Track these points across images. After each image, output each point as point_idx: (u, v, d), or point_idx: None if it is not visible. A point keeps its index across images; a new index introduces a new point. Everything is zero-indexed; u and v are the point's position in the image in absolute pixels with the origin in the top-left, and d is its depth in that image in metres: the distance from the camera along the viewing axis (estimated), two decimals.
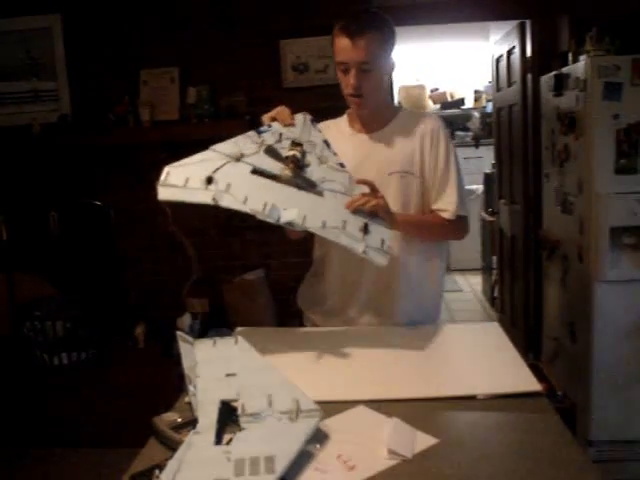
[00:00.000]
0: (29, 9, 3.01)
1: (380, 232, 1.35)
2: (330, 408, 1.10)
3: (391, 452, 0.98)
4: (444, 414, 1.16)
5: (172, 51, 3.02)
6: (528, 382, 1.23)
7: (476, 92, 5.75)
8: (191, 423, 1.05)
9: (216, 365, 1.18)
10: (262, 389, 1.07)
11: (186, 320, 2.91)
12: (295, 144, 1.42)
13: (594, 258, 2.36)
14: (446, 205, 1.55)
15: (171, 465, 0.90)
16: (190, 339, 1.28)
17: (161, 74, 3.03)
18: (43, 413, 2.73)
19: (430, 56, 5.55)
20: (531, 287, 3.22)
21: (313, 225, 1.31)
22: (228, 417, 1.04)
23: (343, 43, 1.46)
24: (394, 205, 1.48)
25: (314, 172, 1.40)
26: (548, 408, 1.16)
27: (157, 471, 0.92)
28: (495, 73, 3.79)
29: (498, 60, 3.69)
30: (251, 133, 1.43)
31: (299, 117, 1.50)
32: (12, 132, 3.01)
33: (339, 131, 1.62)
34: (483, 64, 5.01)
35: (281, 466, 0.89)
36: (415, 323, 1.61)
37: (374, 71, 1.48)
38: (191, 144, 3.08)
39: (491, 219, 4.10)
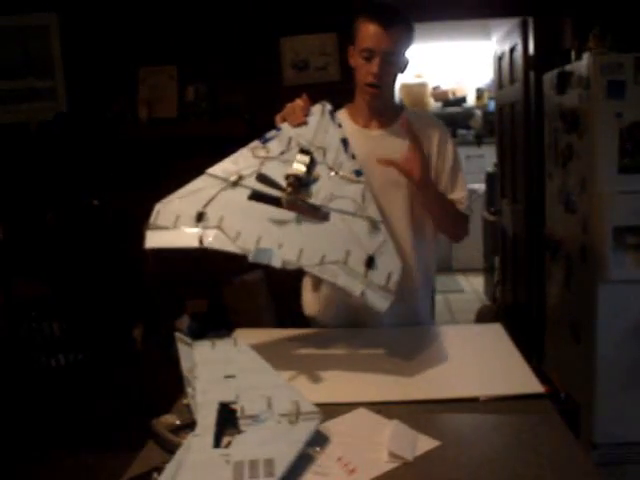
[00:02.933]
0: (26, 7, 3.01)
1: (387, 265, 1.23)
2: (330, 410, 1.09)
3: (392, 455, 0.97)
4: (445, 416, 1.15)
5: (171, 48, 3.01)
6: (531, 384, 1.22)
7: (478, 90, 5.75)
8: (190, 425, 1.04)
9: (215, 367, 1.17)
10: (261, 391, 1.07)
11: (185, 321, 2.91)
12: (303, 152, 1.33)
13: (597, 258, 2.35)
14: (459, 198, 1.58)
15: (169, 468, 0.90)
16: (189, 340, 1.27)
17: (159, 72, 3.02)
18: (40, 415, 2.72)
19: (432, 54, 5.54)
20: (534, 287, 3.21)
21: (309, 262, 1.22)
22: (227, 419, 1.03)
23: (373, 30, 1.45)
24: (407, 201, 1.52)
25: (322, 188, 1.30)
26: (551, 410, 1.15)
27: (155, 474, 0.91)
28: (497, 71, 3.78)
29: (500, 58, 3.68)
30: (255, 144, 1.34)
31: (317, 108, 1.41)
32: (9, 130, 3.01)
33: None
34: (485, 62, 5.00)
35: (280, 469, 0.88)
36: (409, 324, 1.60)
37: (395, 64, 1.50)
38: (189, 142, 3.10)
39: (493, 219, 4.09)
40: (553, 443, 1.02)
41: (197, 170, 3.61)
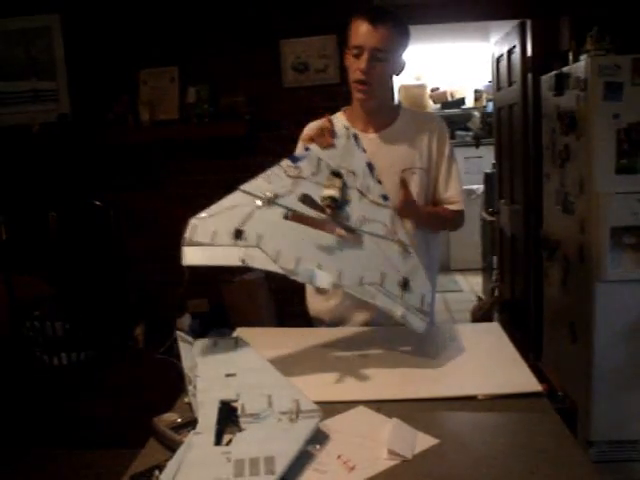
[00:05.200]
0: (29, 9, 3.01)
1: (420, 287, 1.25)
2: (330, 408, 1.10)
3: (391, 452, 0.98)
4: (444, 414, 1.15)
5: (172, 50, 3.02)
6: (529, 382, 1.23)
7: (476, 92, 5.75)
8: (191, 423, 1.04)
9: (216, 365, 1.18)
10: (262, 389, 1.07)
11: (186, 320, 2.91)
12: (334, 175, 1.31)
13: (595, 258, 2.36)
14: (455, 197, 1.62)
15: (171, 466, 0.90)
16: (190, 339, 1.28)
17: (161, 73, 3.03)
18: (42, 413, 2.72)
19: (430, 55, 5.55)
20: (531, 287, 3.22)
21: (350, 283, 1.22)
22: (228, 417, 1.04)
23: (362, 27, 1.46)
24: (416, 200, 1.54)
25: (354, 210, 1.29)
26: (548, 409, 1.15)
27: (157, 472, 0.92)
28: (495, 73, 3.79)
29: (498, 60, 3.68)
30: (286, 163, 1.31)
31: (342, 132, 1.41)
32: (11, 132, 3.01)
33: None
34: (483, 64, 5.01)
35: (281, 466, 0.89)
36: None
37: (385, 62, 1.49)
38: (190, 143, 3.11)
39: (491, 219, 4.09)
40: (551, 441, 1.02)
41: (197, 170, 3.63)
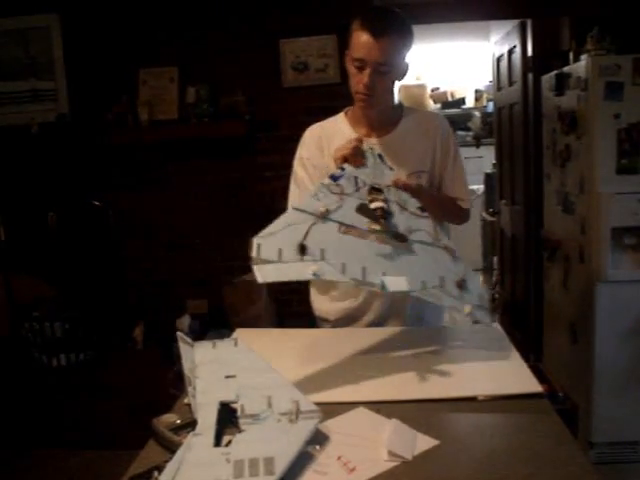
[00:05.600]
0: (27, 8, 3.00)
1: (475, 287, 1.29)
2: (330, 409, 1.10)
3: (391, 454, 0.97)
4: (444, 415, 1.15)
5: (171, 50, 3.01)
6: (529, 383, 1.22)
7: (477, 91, 5.74)
8: (190, 425, 1.04)
9: (215, 366, 1.17)
10: (261, 390, 1.07)
11: (185, 321, 2.91)
12: (375, 190, 1.34)
13: (595, 258, 2.35)
14: (462, 195, 1.62)
15: (170, 467, 0.90)
16: (189, 340, 1.28)
17: (160, 73, 3.02)
18: (42, 414, 2.72)
19: (431, 55, 5.54)
20: (532, 287, 3.22)
21: (415, 287, 1.24)
22: (227, 418, 1.03)
23: (364, 40, 1.43)
24: (416, 203, 1.51)
25: (399, 221, 1.32)
26: (549, 409, 1.15)
27: (156, 473, 0.92)
28: (496, 72, 3.79)
29: (499, 59, 3.68)
30: (327, 181, 1.34)
31: (367, 151, 1.42)
32: (10, 132, 3.01)
33: (341, 134, 1.58)
34: (484, 63, 5.00)
35: (280, 468, 0.89)
36: (426, 322, 1.62)
37: (389, 73, 1.48)
38: (190, 143, 3.11)
39: (492, 219, 4.09)
40: (551, 442, 1.02)
41: (197, 170, 3.62)
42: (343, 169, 1.38)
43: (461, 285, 1.26)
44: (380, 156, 1.44)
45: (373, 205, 1.31)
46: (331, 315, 1.66)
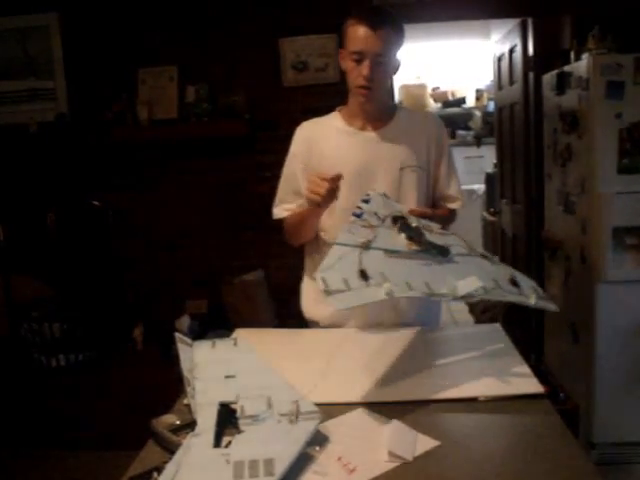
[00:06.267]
0: (26, 7, 3.00)
1: (526, 281, 1.32)
2: (330, 410, 1.10)
3: (391, 454, 0.97)
4: (445, 416, 1.15)
5: (171, 49, 3.01)
6: (530, 384, 1.22)
7: (477, 91, 5.74)
8: (190, 425, 1.04)
9: (215, 367, 1.17)
10: (261, 391, 1.07)
11: (185, 321, 2.90)
12: (396, 219, 1.38)
13: (596, 258, 2.35)
14: (456, 195, 1.66)
15: (169, 468, 0.90)
16: (189, 341, 1.28)
17: (160, 73, 3.02)
18: (41, 415, 2.72)
19: (431, 55, 5.54)
20: None
21: (477, 292, 1.24)
22: (227, 419, 1.03)
23: (362, 32, 1.46)
24: (411, 198, 1.56)
25: (434, 240, 1.35)
26: (550, 410, 1.15)
27: (155, 474, 0.92)
28: (497, 72, 3.78)
29: (500, 58, 3.68)
30: (353, 219, 1.37)
31: (374, 195, 1.46)
32: (9, 131, 3.01)
33: (334, 129, 1.62)
34: (484, 63, 5.00)
35: (280, 469, 0.88)
36: (422, 322, 1.62)
37: (385, 65, 1.51)
38: (190, 143, 3.10)
39: (493, 219, 4.09)
40: (552, 443, 1.02)
41: (196, 170, 3.62)
42: (366, 201, 1.41)
43: (514, 282, 1.29)
44: (384, 195, 1.48)
45: (403, 233, 1.35)
46: (320, 319, 1.66)
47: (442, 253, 1.31)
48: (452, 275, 1.26)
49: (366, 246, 1.28)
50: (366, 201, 1.43)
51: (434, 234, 1.37)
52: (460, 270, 1.28)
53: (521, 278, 1.32)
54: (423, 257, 1.30)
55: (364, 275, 1.20)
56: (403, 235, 1.33)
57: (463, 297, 1.24)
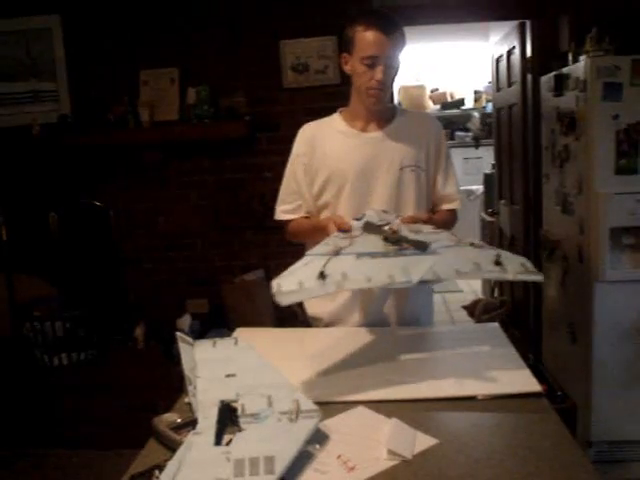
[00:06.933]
0: (29, 9, 3.01)
1: (513, 259, 1.30)
2: (330, 409, 1.10)
3: (391, 453, 0.98)
4: (444, 415, 1.16)
5: (172, 51, 3.02)
6: (528, 383, 1.23)
7: (476, 92, 5.75)
8: (191, 424, 1.04)
9: (216, 366, 1.18)
10: (262, 389, 1.07)
11: (186, 321, 2.91)
12: (382, 225, 1.40)
13: (594, 258, 2.36)
14: (454, 195, 1.67)
15: (171, 466, 0.90)
16: (190, 340, 1.28)
17: (161, 74, 3.02)
18: (43, 414, 2.73)
19: (430, 56, 5.55)
20: (531, 288, 3.22)
21: (447, 275, 1.26)
22: (228, 418, 1.04)
23: (375, 38, 1.48)
24: (410, 198, 1.58)
25: (418, 238, 1.35)
26: (548, 409, 1.15)
27: (157, 472, 0.92)
28: (495, 73, 3.79)
29: (498, 60, 3.68)
30: (336, 234, 1.39)
31: (370, 212, 1.47)
32: (12, 133, 3.01)
33: (336, 130, 1.64)
34: (483, 64, 5.01)
35: (281, 466, 0.89)
36: (411, 322, 1.63)
37: (395, 67, 1.54)
38: (191, 144, 3.12)
39: (491, 219, 4.09)
40: (550, 441, 1.02)
41: (197, 171, 3.63)
42: (359, 219, 1.42)
43: (499, 262, 1.28)
44: (384, 211, 1.49)
45: (385, 228, 1.35)
46: (323, 315, 1.67)
47: (419, 247, 1.30)
48: (427, 263, 1.25)
49: (337, 253, 1.29)
50: (358, 219, 1.44)
51: (423, 234, 1.37)
52: (439, 261, 1.28)
53: (507, 257, 1.30)
54: (400, 254, 1.30)
55: (322, 275, 1.21)
56: (380, 238, 1.33)
57: (423, 282, 1.25)
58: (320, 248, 1.33)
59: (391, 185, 1.57)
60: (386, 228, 1.37)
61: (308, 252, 1.32)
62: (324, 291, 1.20)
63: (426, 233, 1.39)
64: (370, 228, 1.37)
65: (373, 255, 1.29)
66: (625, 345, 2.36)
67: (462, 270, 1.25)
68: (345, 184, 1.58)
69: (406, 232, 1.37)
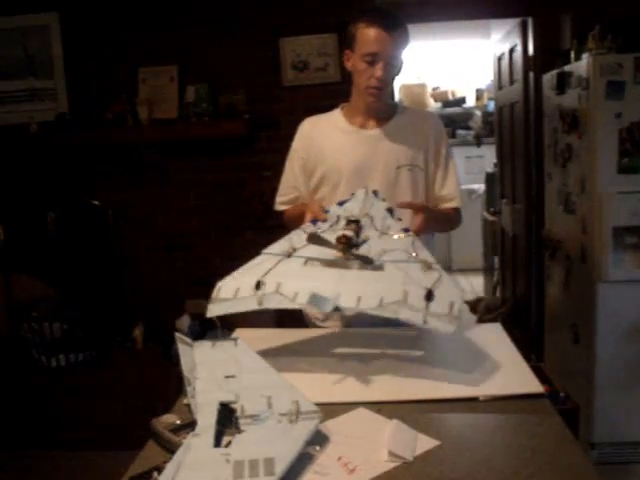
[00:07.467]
0: (26, 7, 3.01)
1: (447, 295, 1.25)
2: (330, 410, 1.09)
3: (392, 454, 0.97)
4: (445, 416, 1.15)
5: (171, 49, 3.01)
6: (530, 384, 1.22)
7: (478, 90, 5.74)
8: (190, 425, 1.04)
9: (215, 367, 1.17)
10: (261, 391, 1.07)
11: (185, 321, 2.90)
12: (350, 222, 1.40)
13: (597, 258, 2.35)
14: (453, 194, 1.65)
15: (170, 467, 0.89)
16: (189, 340, 1.27)
17: (160, 72, 3.02)
18: (41, 415, 2.72)
19: (432, 54, 5.55)
20: (533, 287, 3.21)
21: (369, 305, 1.24)
22: (227, 419, 1.03)
23: (376, 35, 1.47)
24: (405, 197, 1.57)
25: (373, 246, 1.36)
26: (550, 410, 1.15)
27: (156, 473, 0.91)
28: (497, 71, 3.78)
29: (500, 58, 3.67)
30: (306, 225, 1.43)
31: (360, 191, 1.48)
32: (9, 131, 3.01)
33: (335, 127, 1.64)
34: (485, 62, 5.00)
35: (280, 468, 0.88)
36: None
37: (396, 65, 1.54)
38: (190, 142, 3.11)
39: (493, 219, 4.09)
40: (552, 443, 1.02)
41: (197, 170, 3.62)
42: (342, 203, 1.45)
43: (428, 296, 1.23)
44: (374, 192, 1.48)
45: (339, 232, 1.36)
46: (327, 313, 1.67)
47: (365, 262, 1.32)
48: (357, 285, 1.27)
49: (289, 254, 1.34)
50: (341, 203, 1.45)
51: (385, 237, 1.37)
52: (374, 279, 1.29)
53: (442, 292, 1.24)
54: (346, 265, 1.32)
55: (258, 285, 1.28)
56: (333, 242, 1.34)
57: (338, 310, 1.26)
58: (276, 247, 1.37)
59: (387, 184, 1.57)
60: (340, 232, 1.35)
61: (265, 250, 1.36)
62: (244, 307, 1.27)
63: (390, 235, 1.39)
64: (314, 240, 1.37)
65: (321, 261, 1.33)
66: (628, 345, 2.35)
67: (385, 300, 1.23)
68: (340, 181, 1.58)
69: (372, 231, 1.38)
